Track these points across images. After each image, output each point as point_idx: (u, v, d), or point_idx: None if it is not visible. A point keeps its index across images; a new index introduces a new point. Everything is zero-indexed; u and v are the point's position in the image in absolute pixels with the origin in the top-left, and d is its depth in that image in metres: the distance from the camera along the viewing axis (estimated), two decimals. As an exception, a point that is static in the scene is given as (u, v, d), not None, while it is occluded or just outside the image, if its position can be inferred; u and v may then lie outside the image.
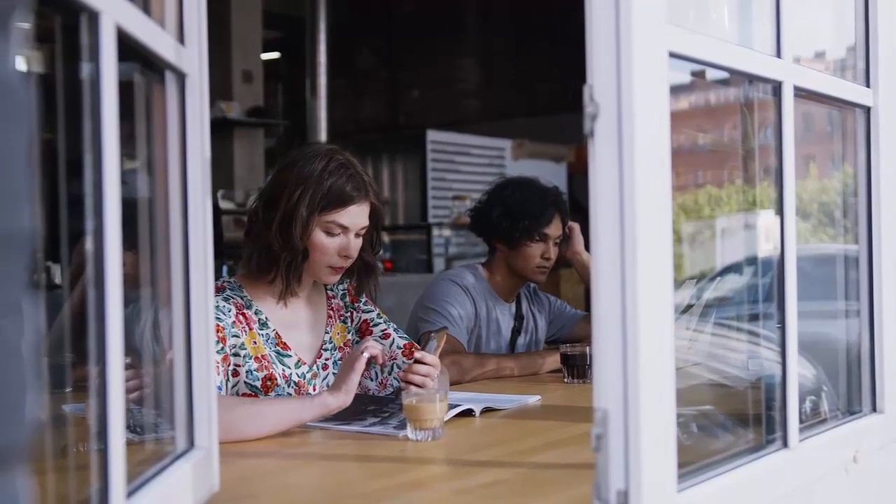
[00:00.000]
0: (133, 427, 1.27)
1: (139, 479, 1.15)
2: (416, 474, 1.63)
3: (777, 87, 1.50)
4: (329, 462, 1.70)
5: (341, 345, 2.31)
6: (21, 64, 0.58)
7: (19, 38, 0.57)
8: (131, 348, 1.06)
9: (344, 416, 1.96)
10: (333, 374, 2.25)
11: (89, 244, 0.97)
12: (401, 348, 2.30)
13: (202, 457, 1.35)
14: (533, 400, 2.30)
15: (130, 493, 1.07)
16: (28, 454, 0.58)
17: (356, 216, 2.16)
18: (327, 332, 2.29)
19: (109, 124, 0.99)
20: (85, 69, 0.98)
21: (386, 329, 2.34)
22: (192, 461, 1.31)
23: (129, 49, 1.09)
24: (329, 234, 2.15)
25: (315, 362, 2.24)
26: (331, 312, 2.32)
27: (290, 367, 2.17)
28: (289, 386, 2.16)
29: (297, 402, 1.94)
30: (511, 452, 1.75)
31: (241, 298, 2.17)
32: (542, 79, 9.32)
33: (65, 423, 1.27)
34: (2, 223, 0.52)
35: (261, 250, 2.16)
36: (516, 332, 3.10)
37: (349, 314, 2.35)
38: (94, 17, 0.96)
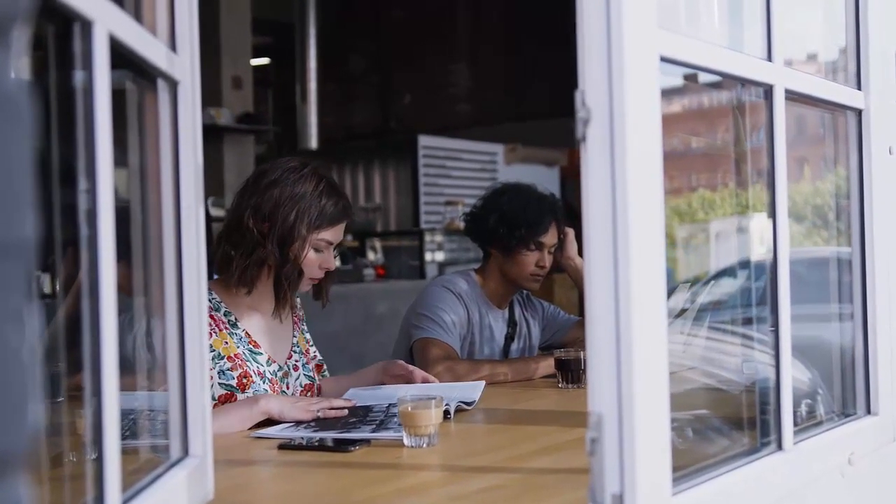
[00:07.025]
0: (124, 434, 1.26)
1: (134, 488, 1.15)
2: (412, 480, 1.63)
3: (769, 91, 1.50)
4: (324, 469, 1.69)
5: (304, 350, 2.42)
6: (21, 73, 0.58)
7: (19, 48, 0.57)
8: (124, 357, 1.06)
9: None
10: (304, 374, 2.38)
11: (83, 253, 0.97)
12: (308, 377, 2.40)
13: (196, 465, 1.34)
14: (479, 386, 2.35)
15: (125, 502, 1.07)
16: (29, 460, 0.58)
17: (341, 233, 2.31)
18: (294, 336, 2.40)
19: (103, 132, 0.98)
20: (77, 77, 0.98)
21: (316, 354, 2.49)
22: (187, 469, 1.31)
23: (120, 56, 1.09)
24: (316, 250, 2.26)
25: (286, 363, 2.34)
26: (296, 319, 2.44)
27: (262, 365, 2.25)
28: (264, 382, 2.23)
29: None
30: (507, 458, 1.75)
31: (210, 301, 2.21)
32: (534, 83, 9.33)
33: (59, 432, 1.27)
34: (6, 231, 0.53)
35: (253, 264, 2.21)
36: (510, 338, 3.08)
37: (305, 325, 2.48)
38: (87, 25, 0.96)
